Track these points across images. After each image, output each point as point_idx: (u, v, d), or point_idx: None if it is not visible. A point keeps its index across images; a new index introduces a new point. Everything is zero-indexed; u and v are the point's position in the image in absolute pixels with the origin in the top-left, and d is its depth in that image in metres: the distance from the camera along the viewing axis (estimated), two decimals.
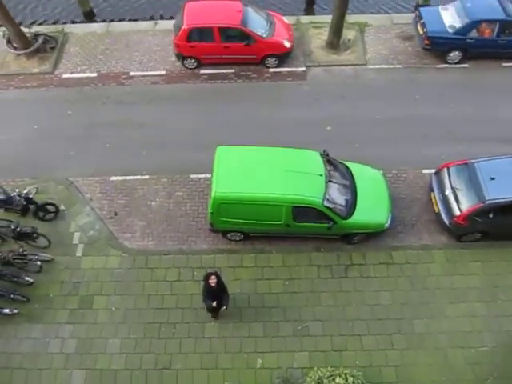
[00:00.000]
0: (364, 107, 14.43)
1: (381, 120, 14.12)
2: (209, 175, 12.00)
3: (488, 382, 10.10)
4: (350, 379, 8.92)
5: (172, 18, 16.93)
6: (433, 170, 12.52)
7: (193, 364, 10.37)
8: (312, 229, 11.28)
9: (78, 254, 11.90)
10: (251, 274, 11.47)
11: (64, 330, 10.83)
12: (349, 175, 11.80)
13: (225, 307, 10.07)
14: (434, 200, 12.08)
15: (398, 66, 15.56)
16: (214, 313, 10.55)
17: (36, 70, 15.89)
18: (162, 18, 18.46)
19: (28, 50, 15.97)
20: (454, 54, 15.24)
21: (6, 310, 10.78)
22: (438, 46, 15.19)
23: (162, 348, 10.57)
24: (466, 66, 15.44)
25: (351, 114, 14.27)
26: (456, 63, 15.42)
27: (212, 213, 10.97)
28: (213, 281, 9.57)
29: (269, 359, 10.39)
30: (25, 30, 16.18)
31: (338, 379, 8.93)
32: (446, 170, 12.01)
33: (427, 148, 13.42)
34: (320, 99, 14.71)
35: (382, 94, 14.79)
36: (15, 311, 10.86)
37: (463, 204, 11.33)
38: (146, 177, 13.22)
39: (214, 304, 9.83)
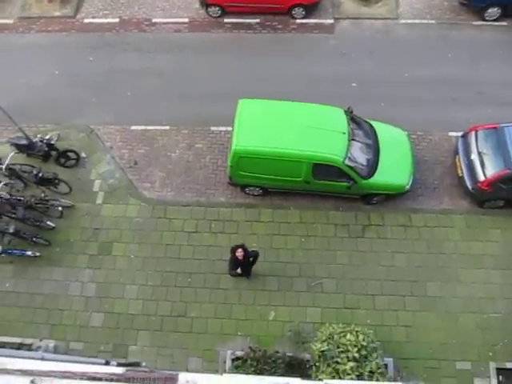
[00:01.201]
0: (393, 64, 13.86)
1: (409, 78, 13.58)
2: (229, 128, 11.84)
3: (497, 348, 10.19)
4: (361, 336, 9.03)
5: None
6: (460, 133, 12.12)
7: (207, 313, 10.66)
8: (331, 187, 11.17)
9: (98, 201, 12.08)
10: (268, 229, 11.52)
11: (84, 274, 11.18)
12: (372, 134, 11.51)
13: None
14: (458, 164, 11.77)
15: (431, 22, 14.75)
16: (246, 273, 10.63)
17: (57, 14, 15.56)
18: None
19: None
20: (493, 11, 14.34)
21: (29, 253, 11.12)
22: (476, 1, 14.27)
23: (177, 296, 10.86)
24: (504, 23, 14.50)
25: (379, 70, 13.73)
26: (494, 20, 14.51)
27: (231, 166, 10.91)
28: (239, 254, 9.60)
29: (281, 312, 10.60)
30: None
31: (348, 336, 9.05)
32: (473, 133, 11.62)
33: (456, 110, 12.94)
34: (347, 54, 14.17)
35: (413, 50, 14.12)
36: (37, 254, 11.21)
37: (488, 169, 11.03)
38: (167, 127, 13.14)
39: (239, 271, 9.96)
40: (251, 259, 10.15)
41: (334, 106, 11.40)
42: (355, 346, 8.89)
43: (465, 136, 11.84)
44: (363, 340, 9.00)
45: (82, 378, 2.41)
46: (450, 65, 13.82)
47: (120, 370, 4.48)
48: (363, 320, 10.42)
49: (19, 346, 10.22)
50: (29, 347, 10.28)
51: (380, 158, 11.23)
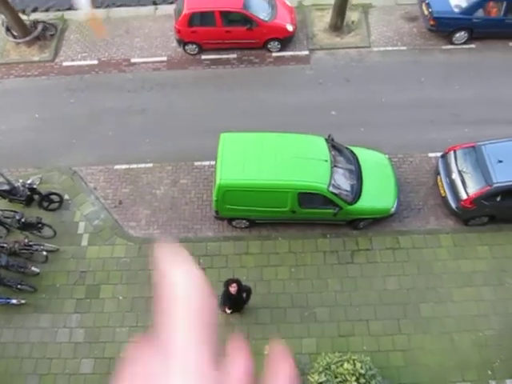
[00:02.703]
0: (369, 91, 14.22)
1: (386, 103, 13.93)
2: (213, 162, 11.88)
3: (496, 365, 10.13)
4: (358, 365, 8.91)
5: (172, 2, 16.65)
6: (439, 154, 12.37)
7: None
8: (318, 215, 11.23)
9: (84, 243, 11.91)
10: (257, 261, 11.46)
11: (72, 320, 10.90)
12: (354, 160, 11.68)
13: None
14: (440, 184, 11.96)
15: (402, 48, 15.28)
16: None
17: (36, 59, 15.71)
18: (162, 2, 18.13)
19: (28, 38, 15.76)
20: (460, 35, 14.94)
21: (14, 301, 10.83)
22: (444, 27, 14.86)
23: None
24: (472, 46, 15.12)
25: (356, 97, 14.07)
26: (462, 44, 15.10)
27: (217, 200, 10.91)
28: (233, 289, 9.44)
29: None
30: (24, 17, 15.95)
31: (346, 365, 8.92)
32: (452, 153, 11.86)
33: (433, 131, 13.25)
34: (324, 83, 14.52)
35: (387, 76, 14.55)
36: (23, 301, 10.92)
37: (470, 187, 11.21)
38: (150, 165, 13.15)
39: (228, 311, 9.81)
40: (244, 295, 9.99)
41: (315, 135, 11.58)
42: (353, 374, 8.77)
43: (444, 156, 12.08)
44: (361, 368, 8.88)
45: None
46: (424, 88, 14.23)
47: None
48: (359, 347, 10.30)
49: None
50: None
51: (363, 183, 11.36)
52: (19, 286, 10.99)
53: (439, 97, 13.96)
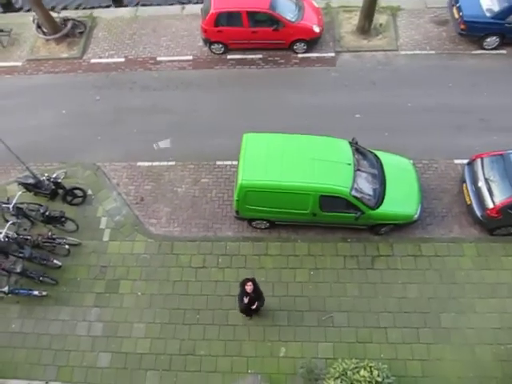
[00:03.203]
0: (395, 94, 14.02)
1: (412, 108, 13.71)
2: (235, 162, 11.91)
3: None
4: (375, 372, 8.75)
5: (199, 2, 16.72)
6: (465, 161, 12.11)
7: (217, 351, 10.42)
8: (339, 218, 11.09)
9: (105, 238, 12.04)
10: (276, 263, 11.40)
11: (91, 313, 11.03)
12: (378, 164, 11.52)
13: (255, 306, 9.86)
14: (465, 191, 11.70)
15: (431, 52, 15.01)
16: (248, 314, 10.49)
17: (65, 55, 16.01)
18: (189, 2, 18.19)
19: (57, 35, 16.10)
20: (491, 40, 14.59)
21: (36, 292, 11.02)
22: (475, 31, 14.55)
23: (186, 334, 10.66)
24: (503, 52, 14.76)
25: (381, 101, 13.89)
26: (493, 49, 14.78)
27: (238, 200, 10.89)
28: (249, 287, 9.43)
29: (292, 348, 10.35)
30: (54, 14, 16.26)
31: (362, 372, 8.77)
32: (479, 160, 11.59)
33: (460, 138, 12.99)
34: (349, 86, 14.37)
35: (414, 81, 14.32)
36: (44, 293, 11.11)
37: (497, 196, 10.93)
38: (173, 163, 13.23)
39: (246, 301, 9.68)
40: (255, 305, 9.81)
41: (339, 138, 11.46)
42: (370, 382, 8.61)
43: (471, 163, 11.82)
44: (378, 376, 8.72)
45: None
46: (451, 93, 13.96)
47: None
48: (377, 354, 10.15)
49: None
50: None
51: (387, 188, 11.19)
52: (41, 279, 11.19)
53: (467, 103, 13.67)
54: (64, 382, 10.30)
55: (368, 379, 8.63)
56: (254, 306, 9.81)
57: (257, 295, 9.74)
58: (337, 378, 8.78)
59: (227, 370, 10.21)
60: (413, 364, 10.12)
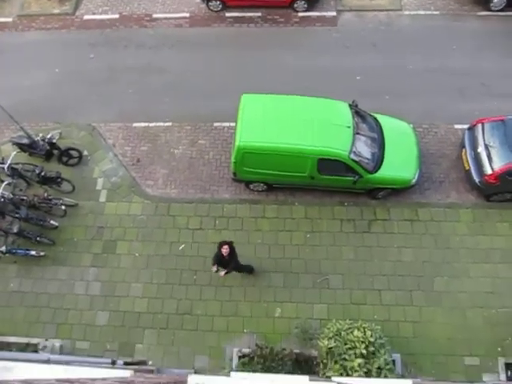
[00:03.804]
0: (396, 56, 13.70)
1: (413, 71, 13.43)
2: (233, 124, 11.72)
3: (506, 343, 10.08)
4: (368, 333, 8.93)
5: None
6: (466, 126, 11.98)
7: (213, 311, 10.59)
8: (337, 182, 11.05)
9: (102, 199, 12.00)
10: (273, 225, 11.43)
11: (88, 273, 11.13)
12: (377, 128, 11.38)
13: (225, 271, 9.80)
14: (464, 157, 11.63)
15: (435, 13, 14.57)
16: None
17: (57, 11, 15.45)
18: None
19: None
20: (498, 1, 14.13)
21: (33, 252, 11.07)
22: None
23: (183, 294, 10.80)
24: (510, 13, 14.31)
25: (382, 63, 13.58)
26: (499, 10, 14.33)
27: (235, 162, 10.80)
28: (225, 250, 9.38)
29: (288, 309, 10.53)
30: None
31: (356, 332, 8.96)
32: (480, 125, 11.46)
33: (461, 102, 12.79)
34: (350, 47, 14.01)
35: (417, 42, 13.96)
36: (42, 253, 11.15)
37: (496, 162, 10.88)
38: (169, 124, 13.03)
39: (215, 268, 9.72)
40: (223, 273, 9.82)
41: (339, 100, 11.26)
42: (363, 342, 8.81)
43: (471, 129, 11.69)
44: (371, 336, 8.91)
45: None
46: (454, 56, 13.65)
47: (128, 373, 4.40)
48: (370, 316, 10.34)
49: (26, 346, 10.18)
50: (35, 347, 10.24)
51: (385, 152, 11.11)
52: (38, 239, 11.21)
53: (470, 66, 13.39)
54: (63, 339, 10.49)
55: (361, 339, 8.82)
56: (222, 273, 9.78)
57: (231, 259, 9.68)
58: (331, 337, 8.97)
59: (223, 330, 10.41)
60: (405, 325, 10.34)
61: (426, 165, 11.93)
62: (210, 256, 11.03)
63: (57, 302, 10.86)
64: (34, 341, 10.39)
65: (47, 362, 6.61)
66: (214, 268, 9.77)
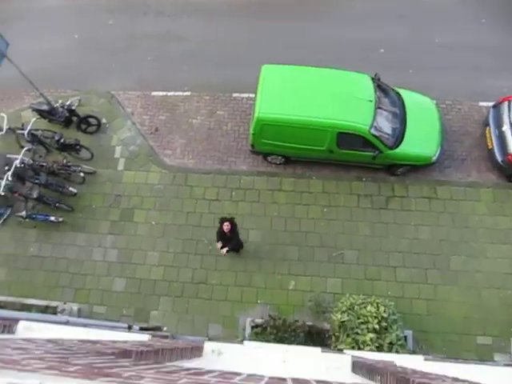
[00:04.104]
0: (422, 29, 13.25)
1: (440, 44, 13.00)
2: (252, 95, 11.58)
3: None
4: (382, 308, 8.96)
5: None
6: (491, 103, 11.64)
7: (228, 281, 10.72)
8: (356, 157, 10.91)
9: (120, 167, 12.07)
10: (289, 198, 11.40)
11: (106, 240, 11.30)
12: (400, 103, 11.13)
13: (226, 249, 9.86)
14: (488, 135, 11.35)
15: None
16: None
17: None
18: None
19: None
20: None
21: (52, 218, 11.25)
22: None
23: (198, 263, 10.92)
24: None
25: (407, 36, 13.17)
26: None
27: (254, 134, 10.70)
28: (226, 227, 9.44)
29: (302, 282, 10.60)
30: None
31: (369, 307, 8.99)
32: (506, 103, 11.14)
33: (488, 78, 12.38)
34: (374, 18, 13.57)
35: (444, 15, 13.46)
36: (60, 219, 11.34)
37: None
38: (188, 93, 12.93)
39: (219, 245, 9.80)
40: (225, 249, 9.86)
41: (361, 73, 11.00)
42: (375, 317, 8.83)
43: (497, 106, 11.36)
44: (384, 312, 8.93)
45: (113, 353, 2.37)
46: (483, 30, 13.15)
47: (146, 337, 4.48)
48: (384, 292, 10.35)
49: (45, 309, 10.48)
50: (54, 310, 10.53)
51: (407, 128, 10.88)
52: (57, 205, 11.37)
53: (499, 41, 12.89)
54: (81, 303, 10.76)
55: (374, 314, 8.85)
56: (224, 250, 9.81)
57: (232, 236, 9.73)
58: (344, 311, 9.02)
59: (237, 300, 10.55)
60: (418, 303, 10.34)
61: (447, 142, 11.69)
62: None
63: (75, 267, 11.10)
64: (53, 304, 10.68)
65: (66, 323, 6.80)
66: (219, 245, 9.84)
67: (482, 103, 12.24)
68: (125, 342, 3.23)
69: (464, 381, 2.40)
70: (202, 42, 13.56)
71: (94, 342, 2.76)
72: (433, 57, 12.78)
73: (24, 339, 2.67)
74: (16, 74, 10.93)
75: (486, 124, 11.48)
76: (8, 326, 4.25)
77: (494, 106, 11.47)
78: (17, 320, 4.48)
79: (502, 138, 10.94)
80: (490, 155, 11.36)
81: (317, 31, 13.38)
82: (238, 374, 1.93)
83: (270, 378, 1.93)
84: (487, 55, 12.69)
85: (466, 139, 11.90)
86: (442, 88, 12.27)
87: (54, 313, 10.37)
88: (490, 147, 11.22)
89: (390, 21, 13.48)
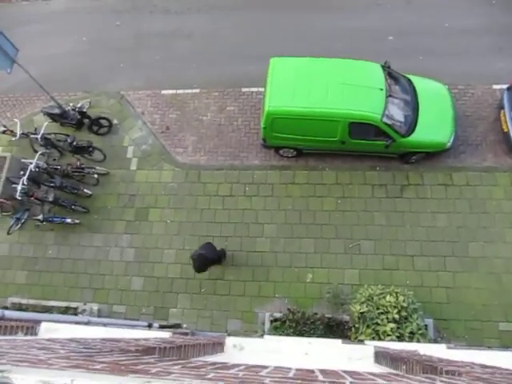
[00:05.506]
0: (432, 14, 13.04)
1: (450, 29, 12.78)
2: (261, 89, 11.52)
3: None
4: (401, 298, 8.89)
5: None
6: (505, 86, 11.42)
7: (245, 276, 10.72)
8: (368, 146, 10.79)
9: (133, 167, 12.13)
10: (303, 191, 11.35)
11: (122, 240, 11.38)
12: (411, 90, 10.98)
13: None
14: (503, 118, 11.14)
15: None
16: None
17: None
18: None
19: None
20: None
21: (69, 220, 11.37)
22: None
23: None
24: None
25: (417, 21, 12.97)
26: None
27: (265, 128, 10.65)
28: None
29: (319, 274, 10.56)
30: None
31: (388, 297, 8.93)
32: None
33: (501, 61, 12.14)
34: (382, 4, 13.41)
35: None
36: (77, 221, 11.45)
37: None
38: (197, 90, 12.92)
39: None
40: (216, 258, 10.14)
41: (370, 61, 10.86)
42: (395, 307, 8.77)
43: (511, 88, 11.14)
44: (403, 301, 8.86)
45: (137, 350, 2.37)
46: (494, 12, 12.90)
47: (167, 334, 4.50)
48: (402, 281, 10.27)
49: (65, 310, 10.61)
50: (74, 311, 10.66)
51: (419, 115, 10.73)
52: (73, 207, 11.48)
53: (511, 23, 12.63)
54: (101, 303, 10.87)
55: (393, 304, 8.78)
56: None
57: (211, 258, 9.98)
58: (363, 302, 8.97)
59: (255, 294, 10.56)
60: (438, 291, 10.24)
61: (461, 127, 11.50)
62: (240, 222, 11.18)
63: (93, 268, 11.21)
64: (73, 305, 10.81)
65: (87, 323, 6.87)
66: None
67: (495, 86, 12.02)
68: (147, 339, 3.24)
69: (493, 367, 2.36)
70: (209, 38, 13.53)
71: (116, 341, 2.77)
72: (443, 41, 12.57)
73: (48, 339, 2.68)
74: (26, 79, 11.02)
75: (501, 107, 11.27)
76: (31, 327, 4.31)
77: (508, 89, 11.25)
78: (39, 322, 4.54)
79: None
80: (505, 138, 11.15)
81: (325, 21, 13.25)
82: (265, 367, 1.91)
83: (297, 369, 1.92)
84: (499, 37, 12.46)
85: (480, 124, 11.70)
86: (453, 73, 12.07)
87: (75, 314, 10.49)
88: (506, 130, 11.01)
89: (398, 7, 13.31)
